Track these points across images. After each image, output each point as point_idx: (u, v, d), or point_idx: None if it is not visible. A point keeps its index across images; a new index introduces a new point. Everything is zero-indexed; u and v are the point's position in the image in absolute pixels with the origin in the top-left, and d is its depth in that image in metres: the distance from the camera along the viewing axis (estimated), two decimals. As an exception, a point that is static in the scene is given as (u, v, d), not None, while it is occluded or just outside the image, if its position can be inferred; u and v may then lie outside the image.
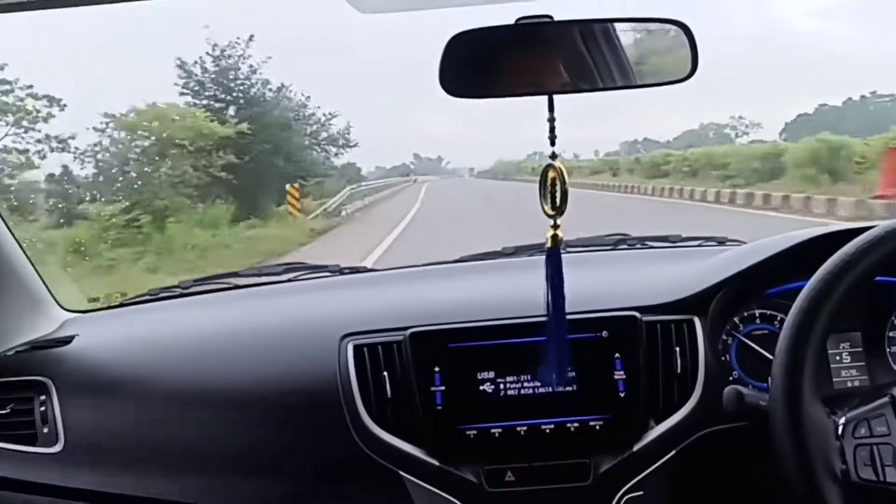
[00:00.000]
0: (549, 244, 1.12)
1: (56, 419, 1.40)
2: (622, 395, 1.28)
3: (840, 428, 1.03)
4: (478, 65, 1.07)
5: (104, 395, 1.44)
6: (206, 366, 1.45)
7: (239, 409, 1.39)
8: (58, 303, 1.70)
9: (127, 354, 1.51)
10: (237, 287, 1.75)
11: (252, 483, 1.36)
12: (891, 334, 1.38)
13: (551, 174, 1.09)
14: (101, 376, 1.47)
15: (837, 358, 1.38)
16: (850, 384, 1.37)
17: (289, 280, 1.75)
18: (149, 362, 1.48)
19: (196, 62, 14.87)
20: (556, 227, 1.11)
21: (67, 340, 1.53)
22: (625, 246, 1.79)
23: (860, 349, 1.38)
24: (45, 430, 1.40)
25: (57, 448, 1.39)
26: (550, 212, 1.11)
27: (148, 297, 1.77)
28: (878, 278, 1.30)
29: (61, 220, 10.73)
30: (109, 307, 1.79)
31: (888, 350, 1.38)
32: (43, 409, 1.42)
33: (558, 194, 1.09)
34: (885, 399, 1.04)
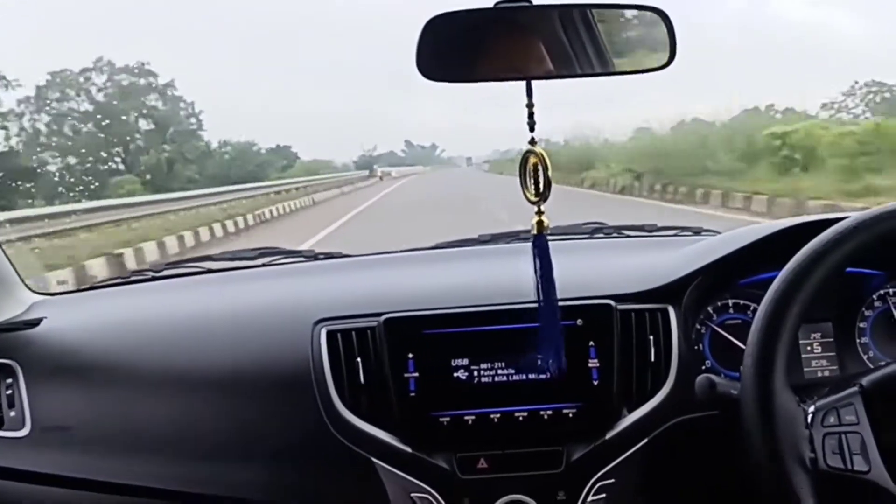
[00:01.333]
0: (534, 231, 1.11)
1: (23, 403, 1.38)
2: (595, 383, 1.28)
3: (809, 416, 1.04)
4: (455, 49, 1.06)
5: (73, 378, 1.42)
6: (178, 350, 1.43)
7: (210, 394, 1.37)
8: (26, 285, 1.66)
9: (96, 338, 1.49)
10: (210, 271, 1.73)
11: (223, 468, 1.34)
12: (861, 325, 1.40)
13: (532, 160, 1.09)
14: (69, 360, 1.44)
15: (808, 348, 1.39)
16: (820, 374, 1.38)
17: (263, 265, 1.74)
18: (119, 346, 1.46)
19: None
20: (540, 213, 1.11)
21: (35, 323, 1.50)
22: (601, 234, 1.79)
23: (831, 339, 1.40)
24: (12, 414, 1.38)
25: (24, 432, 1.37)
26: (534, 198, 1.10)
27: (119, 281, 1.75)
28: (849, 269, 1.32)
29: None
30: (79, 290, 1.77)
31: (858, 341, 1.39)
32: (9, 392, 1.39)
33: (541, 180, 1.09)
34: (855, 388, 1.05)
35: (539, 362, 1.20)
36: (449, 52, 1.06)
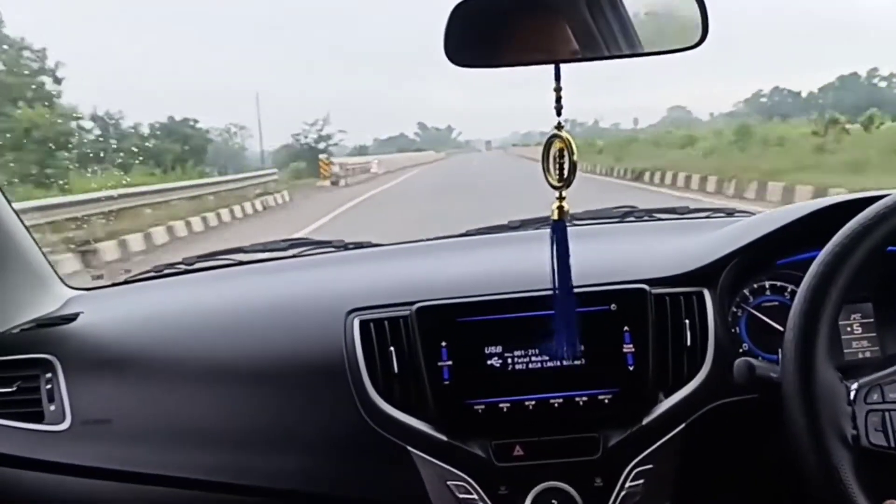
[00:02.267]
0: (554, 216, 1.10)
1: (62, 397, 1.40)
2: (631, 368, 1.27)
3: (852, 393, 1.02)
4: (483, 33, 1.05)
5: (110, 372, 1.44)
6: (212, 342, 1.45)
7: (245, 386, 1.38)
8: (62, 280, 1.69)
9: (132, 331, 1.51)
10: (241, 263, 1.74)
11: (260, 458, 1.36)
12: None
13: (558, 144, 1.07)
14: (106, 353, 1.46)
15: (848, 329, 1.37)
16: (860, 355, 1.36)
17: (293, 256, 1.74)
18: (154, 339, 1.47)
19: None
20: (561, 198, 1.10)
21: (72, 318, 1.53)
22: (632, 218, 1.77)
23: (871, 320, 1.37)
24: (52, 408, 1.40)
25: (64, 426, 1.39)
26: (557, 183, 1.09)
27: (152, 274, 1.77)
28: (889, 248, 1.29)
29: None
30: (113, 284, 1.78)
31: None
32: (49, 386, 1.42)
33: (566, 165, 1.07)
34: None
35: (556, 349, 1.19)
36: (476, 37, 1.05)
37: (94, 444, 1.39)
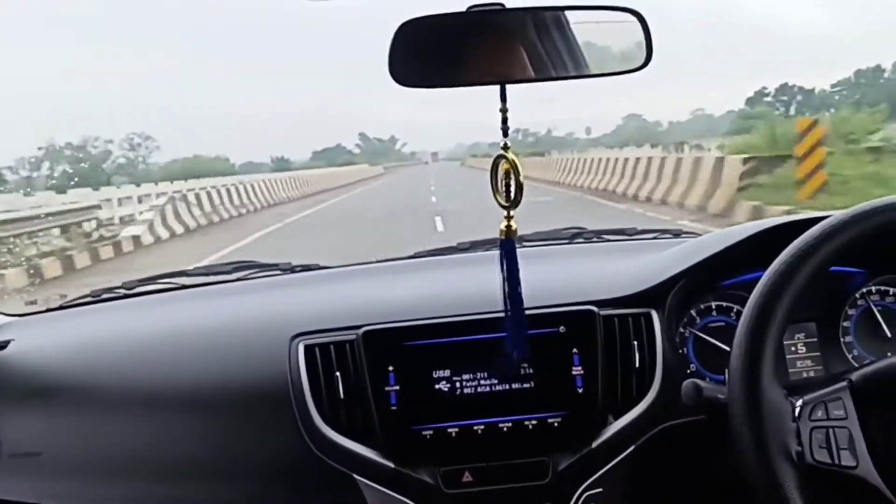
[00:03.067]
0: (502, 235, 1.10)
1: None
2: (580, 390, 1.26)
3: (797, 410, 1.03)
4: (428, 53, 1.04)
5: (42, 402, 1.38)
6: (152, 369, 1.40)
7: (187, 414, 1.34)
8: None
9: (67, 359, 1.45)
10: (184, 287, 1.69)
11: (201, 488, 1.31)
12: (845, 324, 1.39)
13: (504, 166, 1.07)
14: (38, 382, 1.40)
15: (793, 348, 1.38)
16: (805, 374, 1.37)
17: (238, 279, 1.70)
18: (90, 367, 1.42)
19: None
20: (509, 217, 1.09)
21: (2, 346, 1.46)
22: (581, 239, 1.78)
23: (815, 339, 1.39)
24: None
25: None
26: (505, 203, 1.08)
27: (90, 299, 1.71)
28: (832, 268, 1.31)
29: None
30: (48, 310, 1.72)
31: (842, 340, 1.39)
32: None
33: (513, 186, 1.07)
34: (844, 383, 1.04)
35: (507, 370, 1.19)
36: (422, 57, 1.04)
37: (24, 479, 1.33)
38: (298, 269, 1.73)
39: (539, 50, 1.07)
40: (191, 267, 1.78)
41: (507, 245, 1.10)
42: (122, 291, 1.70)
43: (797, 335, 1.38)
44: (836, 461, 0.99)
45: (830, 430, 1.01)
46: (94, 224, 14.80)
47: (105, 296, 1.70)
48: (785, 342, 1.38)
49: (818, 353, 1.38)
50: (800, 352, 1.38)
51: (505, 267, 1.10)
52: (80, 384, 1.39)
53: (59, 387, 1.39)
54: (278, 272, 1.72)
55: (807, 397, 1.04)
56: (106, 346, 1.47)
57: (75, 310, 1.69)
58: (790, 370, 1.38)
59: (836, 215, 1.08)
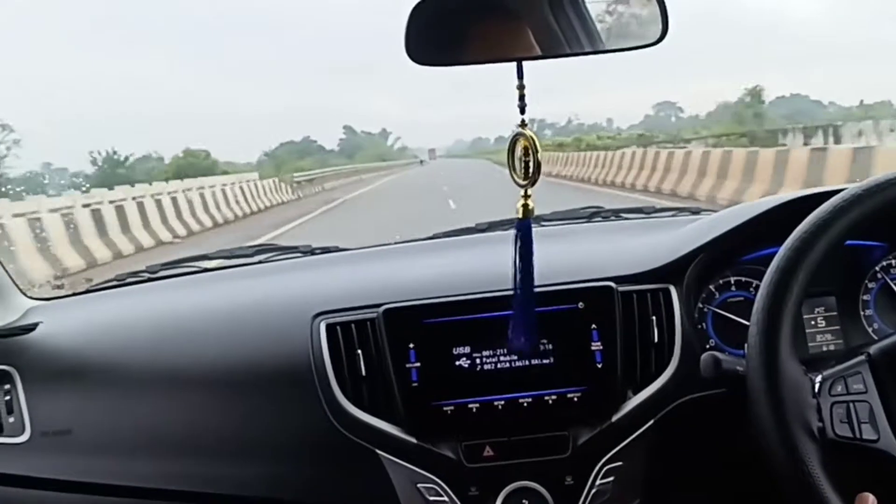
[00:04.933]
0: (519, 214, 1.10)
1: (22, 408, 1.37)
2: (599, 366, 1.27)
3: (817, 385, 1.03)
4: (444, 32, 1.05)
5: (71, 382, 1.41)
6: (176, 350, 1.42)
7: (210, 393, 1.36)
8: (21, 290, 1.65)
9: (93, 340, 1.48)
10: (206, 270, 1.72)
11: (227, 466, 1.33)
12: (864, 297, 1.39)
13: (522, 143, 1.07)
14: (66, 363, 1.43)
15: (812, 322, 1.38)
16: (825, 348, 1.37)
17: (259, 262, 1.72)
18: (116, 348, 1.45)
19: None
20: (526, 196, 1.09)
21: (31, 328, 1.49)
22: (599, 218, 1.78)
23: (835, 313, 1.39)
24: (11, 420, 1.37)
25: (24, 438, 1.36)
26: (522, 182, 1.08)
27: (115, 283, 1.73)
28: (850, 242, 1.30)
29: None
30: (74, 294, 1.75)
31: (862, 313, 1.39)
32: (7, 398, 1.39)
33: (531, 163, 1.07)
34: (862, 357, 1.05)
35: (513, 348, 1.20)
36: (438, 35, 1.05)
37: (54, 456, 1.36)
38: (318, 251, 1.74)
39: (553, 26, 1.07)
40: (212, 251, 1.81)
41: (524, 225, 1.10)
42: (147, 275, 1.73)
43: (817, 309, 1.38)
44: (858, 435, 1.00)
45: (851, 405, 1.01)
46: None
47: (129, 280, 1.73)
48: (805, 316, 1.38)
49: (838, 327, 1.38)
50: (820, 325, 1.38)
51: (518, 246, 1.11)
52: (107, 364, 1.41)
53: (87, 367, 1.42)
54: (299, 254, 1.74)
55: (826, 373, 1.04)
56: (132, 327, 1.50)
57: (101, 293, 1.72)
58: (810, 344, 1.38)
59: (850, 189, 1.07)
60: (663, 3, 1.09)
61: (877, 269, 1.39)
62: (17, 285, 1.64)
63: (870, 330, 1.38)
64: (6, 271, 1.61)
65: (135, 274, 1.75)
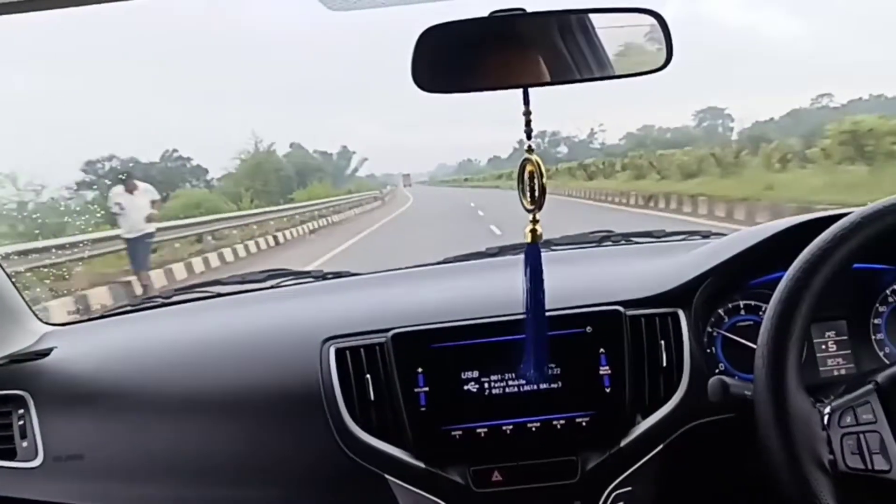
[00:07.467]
0: (528, 239, 1.11)
1: (35, 433, 1.38)
2: (608, 390, 1.27)
3: (826, 417, 1.02)
4: (451, 59, 1.06)
5: (84, 407, 1.42)
6: (187, 375, 1.43)
7: (221, 418, 1.37)
8: (36, 316, 1.67)
9: (106, 366, 1.49)
10: (219, 295, 1.73)
11: (237, 490, 1.34)
12: (875, 321, 1.38)
13: (529, 168, 1.08)
14: (80, 388, 1.44)
15: (823, 347, 1.37)
16: (836, 372, 1.36)
17: (271, 287, 1.74)
18: (129, 373, 1.46)
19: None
20: (534, 221, 1.09)
21: (45, 353, 1.51)
22: (609, 242, 1.78)
23: (845, 337, 1.38)
24: (24, 445, 1.38)
25: (36, 462, 1.37)
26: (529, 206, 1.09)
27: (129, 308, 1.75)
28: (860, 265, 1.30)
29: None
30: (89, 319, 1.77)
31: (873, 337, 1.37)
32: (21, 423, 1.40)
33: (537, 188, 1.08)
34: (870, 386, 1.03)
35: (523, 373, 1.19)
36: (445, 62, 1.06)
37: (66, 481, 1.36)
38: (330, 276, 1.76)
39: (561, 52, 1.09)
40: (225, 276, 1.82)
41: (532, 250, 1.11)
42: (160, 300, 1.75)
43: (827, 333, 1.38)
44: (870, 466, 0.98)
45: (861, 436, 1.00)
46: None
47: (143, 305, 1.74)
48: (815, 340, 1.37)
49: (849, 352, 1.37)
50: (831, 350, 1.37)
51: (528, 271, 1.11)
52: (121, 389, 1.43)
53: (100, 391, 1.43)
54: (310, 279, 1.75)
55: (834, 403, 1.03)
56: (143, 354, 1.51)
57: (115, 318, 1.74)
58: (821, 368, 1.37)
59: (852, 214, 1.07)
60: (667, 28, 1.10)
61: (887, 292, 1.39)
62: (32, 310, 1.66)
63: (881, 354, 1.37)
64: (22, 297, 1.63)
65: (149, 299, 1.77)
